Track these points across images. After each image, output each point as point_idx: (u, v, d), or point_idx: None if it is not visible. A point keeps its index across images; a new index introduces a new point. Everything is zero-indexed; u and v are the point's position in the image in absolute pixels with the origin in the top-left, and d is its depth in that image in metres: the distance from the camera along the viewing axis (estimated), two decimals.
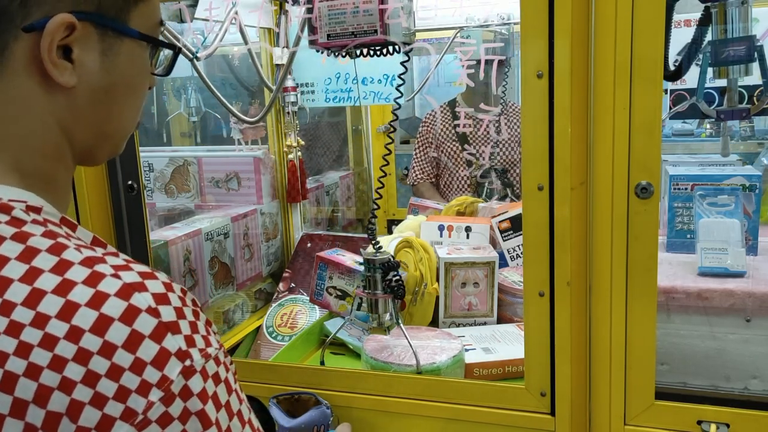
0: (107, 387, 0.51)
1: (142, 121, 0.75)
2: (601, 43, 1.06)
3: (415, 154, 2.82)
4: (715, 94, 1.48)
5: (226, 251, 1.87)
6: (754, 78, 1.32)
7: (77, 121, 0.66)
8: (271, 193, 2.08)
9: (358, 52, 1.33)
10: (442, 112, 2.69)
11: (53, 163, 0.66)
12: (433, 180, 2.81)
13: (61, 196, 0.68)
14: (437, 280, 1.63)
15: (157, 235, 1.71)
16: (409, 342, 1.39)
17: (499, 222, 1.83)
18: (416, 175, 2.82)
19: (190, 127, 3.23)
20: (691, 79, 1.40)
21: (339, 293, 1.67)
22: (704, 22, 1.31)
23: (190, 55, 1.54)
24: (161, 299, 0.56)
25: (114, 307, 0.53)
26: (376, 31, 1.25)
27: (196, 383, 0.54)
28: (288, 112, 2.04)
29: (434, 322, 1.65)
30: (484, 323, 1.63)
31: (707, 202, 1.43)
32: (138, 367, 0.52)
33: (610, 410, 1.17)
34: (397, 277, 1.45)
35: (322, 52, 1.34)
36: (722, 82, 1.34)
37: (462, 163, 2.65)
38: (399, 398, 1.31)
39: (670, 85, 1.79)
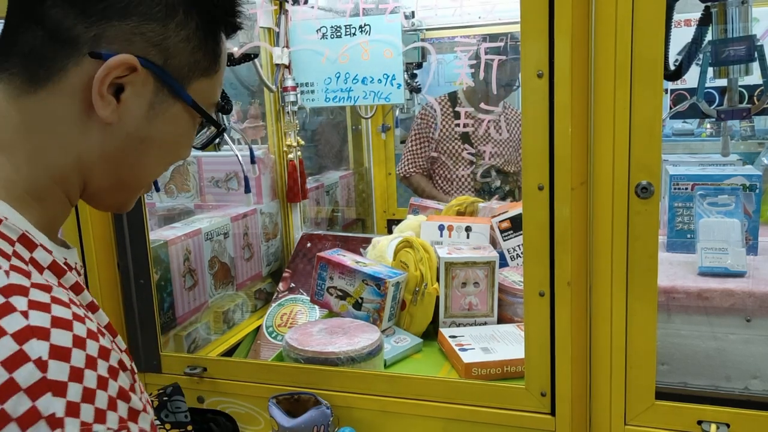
0: None
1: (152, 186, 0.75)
2: (601, 43, 1.06)
3: (409, 145, 2.73)
4: (716, 94, 1.48)
5: (226, 251, 1.87)
6: (754, 78, 1.32)
7: (102, 160, 0.65)
8: (271, 193, 2.08)
9: None
10: (442, 106, 2.65)
11: (51, 184, 0.64)
12: (425, 174, 2.75)
13: (47, 219, 0.64)
14: (437, 280, 1.63)
15: (157, 235, 1.71)
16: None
17: (499, 222, 1.83)
18: (406, 167, 2.73)
19: None
20: (691, 78, 1.40)
21: (340, 293, 1.67)
22: (704, 22, 1.31)
23: None
24: (59, 353, 0.49)
25: (4, 347, 0.48)
26: None
27: None
28: (288, 112, 2.04)
29: (434, 322, 1.65)
30: (485, 323, 1.63)
31: (707, 202, 1.43)
32: (1, 419, 0.46)
33: (610, 410, 1.17)
34: None
35: None
36: (722, 82, 1.34)
37: (462, 163, 2.64)
38: (399, 398, 1.31)
39: (670, 85, 1.79)
